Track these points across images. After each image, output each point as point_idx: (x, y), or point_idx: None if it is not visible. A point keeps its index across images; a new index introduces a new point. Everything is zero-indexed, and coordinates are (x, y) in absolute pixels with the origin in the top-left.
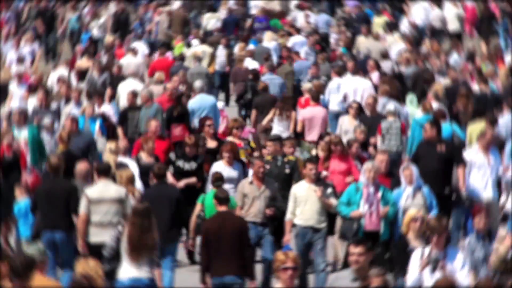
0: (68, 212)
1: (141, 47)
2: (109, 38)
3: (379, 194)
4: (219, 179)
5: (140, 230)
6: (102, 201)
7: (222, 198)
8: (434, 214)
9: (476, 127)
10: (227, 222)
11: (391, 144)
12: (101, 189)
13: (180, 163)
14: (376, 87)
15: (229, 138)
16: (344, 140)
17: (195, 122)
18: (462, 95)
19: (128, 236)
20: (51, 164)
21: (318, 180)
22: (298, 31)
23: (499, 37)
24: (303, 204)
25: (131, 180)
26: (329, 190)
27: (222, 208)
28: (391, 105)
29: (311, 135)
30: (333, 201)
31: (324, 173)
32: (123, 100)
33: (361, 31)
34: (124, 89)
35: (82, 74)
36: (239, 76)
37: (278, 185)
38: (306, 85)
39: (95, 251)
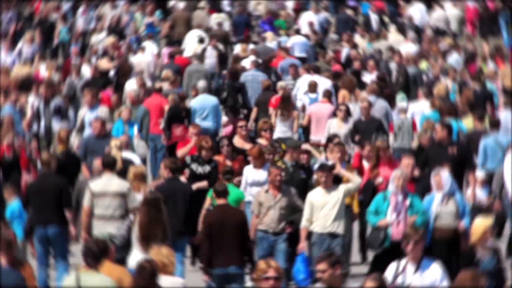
0: (60, 206)
1: (150, 46)
2: (109, 40)
3: (407, 202)
4: (228, 172)
5: (149, 219)
6: (104, 194)
7: (220, 191)
8: (466, 223)
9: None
10: (229, 215)
11: (404, 142)
12: (105, 183)
13: (194, 166)
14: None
15: (259, 140)
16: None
17: (197, 122)
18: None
19: (138, 225)
20: (43, 159)
21: (334, 185)
22: (298, 31)
23: (501, 37)
24: (319, 210)
25: (138, 177)
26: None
27: (221, 201)
28: (404, 103)
29: (318, 135)
30: (355, 177)
31: (380, 179)
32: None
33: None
34: (131, 87)
35: (102, 75)
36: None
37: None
38: (280, 84)
39: None
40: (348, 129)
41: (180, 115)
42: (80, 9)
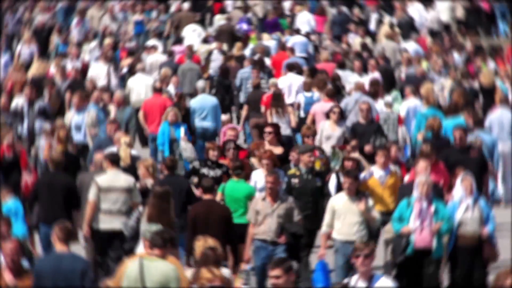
0: (66, 205)
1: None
2: (108, 41)
3: (432, 208)
4: (238, 168)
5: (158, 211)
6: (111, 189)
7: (207, 187)
8: (490, 229)
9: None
10: (214, 209)
11: (389, 135)
12: (111, 178)
13: (205, 170)
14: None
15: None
16: (327, 146)
17: (196, 122)
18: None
19: (147, 216)
20: (53, 159)
21: (358, 192)
22: (298, 31)
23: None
24: (343, 217)
25: (148, 169)
26: (370, 202)
27: (208, 196)
28: (389, 97)
29: None
30: (375, 214)
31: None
32: (135, 96)
33: (359, 33)
34: (136, 84)
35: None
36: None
37: (309, 202)
38: (271, 81)
39: (104, 238)
40: (342, 131)
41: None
42: (74, 21)
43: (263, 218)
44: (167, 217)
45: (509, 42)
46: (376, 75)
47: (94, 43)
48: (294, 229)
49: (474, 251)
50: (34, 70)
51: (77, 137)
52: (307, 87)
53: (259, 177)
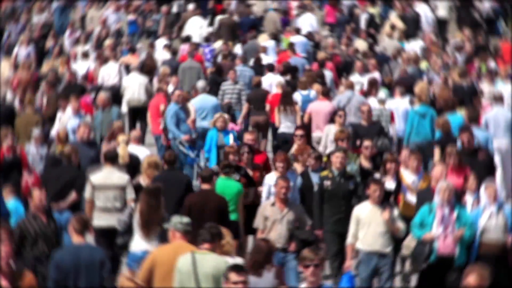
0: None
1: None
2: (108, 42)
3: (455, 214)
4: (227, 166)
5: (149, 207)
6: (105, 187)
7: (205, 177)
8: None
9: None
10: (210, 199)
11: None
12: (105, 176)
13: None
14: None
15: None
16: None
17: (196, 122)
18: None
19: (139, 212)
20: (65, 152)
21: (383, 201)
22: (298, 31)
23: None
24: (367, 227)
25: (152, 165)
26: (396, 212)
27: (205, 186)
28: (382, 94)
29: (318, 132)
30: (400, 224)
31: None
32: (128, 94)
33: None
34: (130, 82)
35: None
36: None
37: (342, 205)
38: (278, 81)
39: (99, 234)
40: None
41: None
42: (67, 32)
43: (272, 224)
44: (157, 214)
45: (507, 41)
46: (375, 75)
47: (87, 46)
48: (305, 235)
49: (498, 259)
50: (45, 68)
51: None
52: (303, 86)
53: (272, 180)
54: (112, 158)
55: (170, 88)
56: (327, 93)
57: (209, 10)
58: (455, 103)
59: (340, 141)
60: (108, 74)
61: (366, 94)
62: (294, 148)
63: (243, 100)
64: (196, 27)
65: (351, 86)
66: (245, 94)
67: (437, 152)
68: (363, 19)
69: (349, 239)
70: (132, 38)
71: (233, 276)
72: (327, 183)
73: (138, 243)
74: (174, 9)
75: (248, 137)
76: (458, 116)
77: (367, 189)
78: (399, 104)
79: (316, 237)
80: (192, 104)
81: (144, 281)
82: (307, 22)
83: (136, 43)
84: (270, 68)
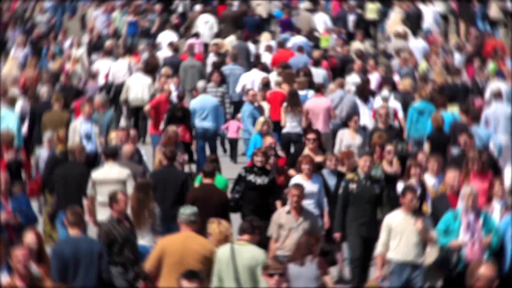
0: (81, 194)
1: (170, 35)
2: (109, 42)
3: (480, 221)
4: (214, 161)
5: (139, 202)
6: (105, 182)
7: (207, 172)
8: None
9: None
10: (213, 193)
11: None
12: (106, 171)
13: (251, 177)
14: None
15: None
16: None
17: (197, 122)
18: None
19: (130, 207)
20: (70, 149)
21: (415, 210)
22: (299, 31)
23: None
24: (399, 236)
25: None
26: (429, 221)
27: (207, 181)
28: (386, 92)
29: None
30: (433, 234)
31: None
32: (132, 93)
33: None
34: (134, 82)
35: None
36: None
37: (367, 209)
38: (276, 79)
39: None
40: (362, 140)
41: (179, 115)
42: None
43: (288, 232)
44: (147, 208)
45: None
46: (375, 75)
47: (81, 50)
48: (324, 246)
49: None
50: (53, 66)
51: (88, 146)
52: (301, 86)
53: (298, 182)
54: (112, 155)
55: (172, 88)
56: (320, 89)
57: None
58: (444, 102)
59: (378, 146)
60: (118, 71)
61: (358, 94)
62: (305, 151)
63: (226, 103)
64: (206, 24)
65: (342, 85)
66: (229, 97)
67: (427, 147)
68: (350, 21)
69: (380, 248)
70: (132, 39)
71: (185, 283)
72: (353, 186)
73: None
74: (180, 8)
75: (269, 140)
76: (449, 114)
77: (401, 197)
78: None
79: (330, 247)
80: (267, 104)
81: (153, 269)
82: (321, 19)
83: (135, 43)
84: (255, 64)
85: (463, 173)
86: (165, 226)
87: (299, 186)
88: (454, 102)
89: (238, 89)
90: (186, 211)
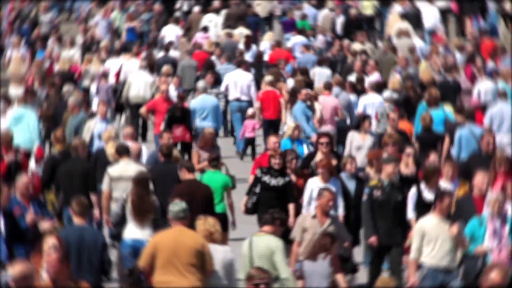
0: (86, 190)
1: (174, 29)
2: (105, 43)
3: (507, 227)
4: (214, 159)
5: (138, 196)
6: (121, 178)
7: (189, 167)
8: None
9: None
10: (197, 189)
11: (386, 128)
12: (122, 168)
13: (266, 178)
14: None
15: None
16: (358, 157)
17: (197, 122)
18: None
19: (130, 202)
20: (73, 145)
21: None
22: (300, 31)
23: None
24: (434, 242)
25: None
26: (462, 226)
27: (191, 176)
28: (389, 92)
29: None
30: (466, 239)
31: None
32: (133, 91)
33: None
34: (135, 80)
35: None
36: None
37: (391, 216)
38: (266, 78)
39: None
40: (373, 141)
41: (179, 115)
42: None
43: (312, 237)
44: (147, 202)
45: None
46: (375, 76)
47: (73, 51)
48: (340, 251)
49: None
50: (61, 65)
51: (100, 145)
52: (298, 85)
53: (315, 185)
54: (122, 152)
55: (171, 89)
56: (329, 87)
57: (214, 10)
58: (436, 101)
59: (387, 146)
60: (130, 70)
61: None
62: (318, 156)
63: (221, 104)
64: (211, 26)
65: (339, 83)
66: (224, 97)
67: (416, 146)
68: (338, 23)
69: (413, 254)
70: (131, 45)
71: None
72: (377, 193)
73: (130, 232)
74: (185, 7)
75: (273, 140)
76: (440, 112)
77: (438, 201)
78: (374, 100)
79: (350, 253)
80: (319, 103)
81: (146, 266)
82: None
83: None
84: (239, 64)
85: (490, 174)
86: (164, 221)
87: (329, 191)
88: (445, 100)
89: (222, 88)
90: (175, 208)
